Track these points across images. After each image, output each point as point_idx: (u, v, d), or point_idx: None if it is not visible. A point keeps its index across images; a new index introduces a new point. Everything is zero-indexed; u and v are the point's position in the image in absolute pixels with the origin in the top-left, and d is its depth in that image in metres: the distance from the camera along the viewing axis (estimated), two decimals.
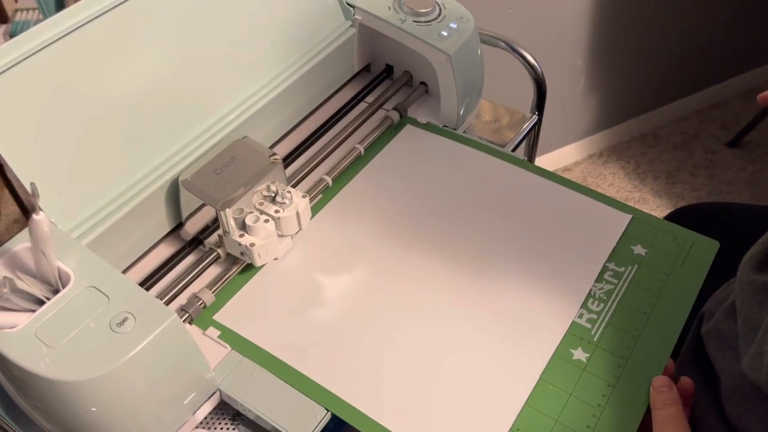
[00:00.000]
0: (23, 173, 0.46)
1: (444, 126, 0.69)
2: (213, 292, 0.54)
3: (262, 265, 0.56)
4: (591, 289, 0.54)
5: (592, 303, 0.53)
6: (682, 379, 0.49)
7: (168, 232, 0.58)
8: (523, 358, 0.50)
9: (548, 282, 0.54)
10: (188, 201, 0.56)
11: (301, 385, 0.49)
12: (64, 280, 0.44)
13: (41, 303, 0.43)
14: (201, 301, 0.53)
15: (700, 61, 1.59)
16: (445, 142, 0.67)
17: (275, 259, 0.57)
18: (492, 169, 0.64)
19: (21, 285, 0.39)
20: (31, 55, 0.47)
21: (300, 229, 0.57)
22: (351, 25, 0.68)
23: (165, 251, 0.57)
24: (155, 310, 0.43)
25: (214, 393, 0.49)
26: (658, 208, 1.48)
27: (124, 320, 0.42)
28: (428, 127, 0.69)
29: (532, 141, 0.76)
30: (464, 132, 0.70)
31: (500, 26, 1.22)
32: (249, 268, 0.57)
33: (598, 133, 1.60)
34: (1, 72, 0.45)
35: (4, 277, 0.37)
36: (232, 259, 0.57)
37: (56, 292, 0.44)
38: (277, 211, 0.55)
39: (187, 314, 0.52)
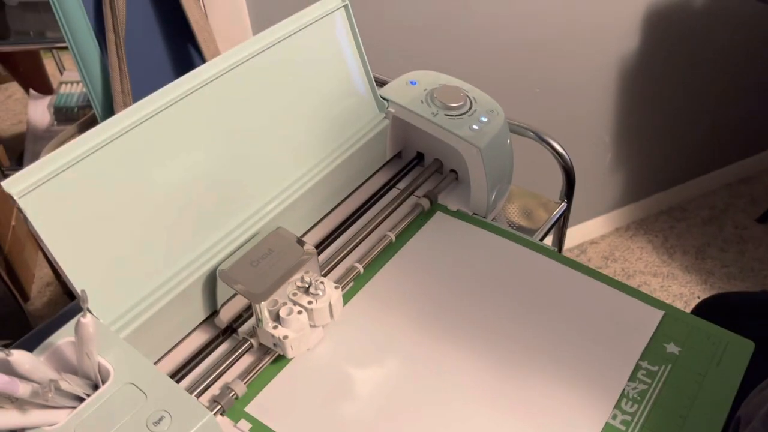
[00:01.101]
0: (73, 274, 0.48)
1: (474, 213, 0.70)
2: (245, 383, 0.55)
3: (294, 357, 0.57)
4: (624, 389, 0.53)
5: (626, 404, 0.52)
6: None
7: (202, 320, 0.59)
8: None
9: (580, 379, 0.54)
10: (224, 290, 0.57)
11: None
12: (103, 375, 0.45)
13: (81, 399, 0.43)
14: (233, 392, 0.54)
15: (728, 135, 1.59)
16: (475, 230, 0.68)
17: (308, 349, 0.57)
18: (521, 259, 0.64)
19: (64, 386, 0.41)
20: (85, 157, 0.49)
21: (332, 319, 0.57)
22: (385, 117, 0.70)
23: (199, 338, 0.58)
24: (191, 409, 0.44)
25: None
26: (687, 284, 1.46)
27: (161, 419, 0.43)
28: (458, 214, 0.70)
29: (561, 228, 0.76)
30: (494, 219, 0.71)
31: (527, 106, 1.25)
32: (281, 359, 0.57)
33: (626, 207, 1.60)
34: (56, 174, 0.48)
35: (50, 380, 0.39)
36: (264, 349, 0.57)
37: (96, 387, 0.45)
38: (310, 302, 0.56)
39: (219, 406, 0.53)
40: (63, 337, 0.47)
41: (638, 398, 0.52)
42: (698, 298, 1.41)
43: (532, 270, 0.63)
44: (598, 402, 0.52)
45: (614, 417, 0.51)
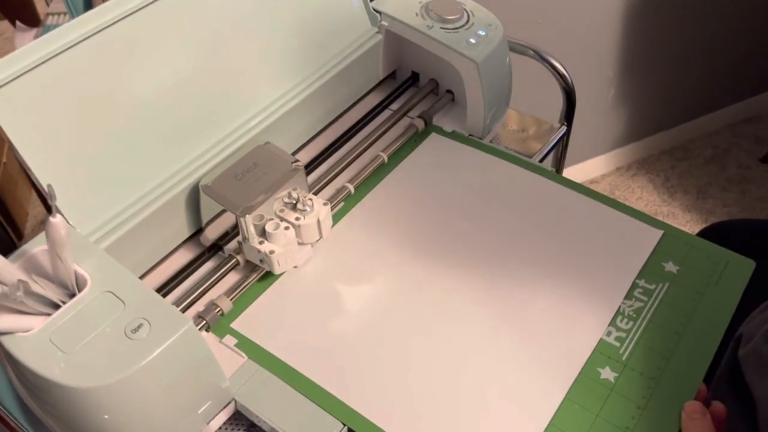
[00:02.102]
0: (43, 175, 0.46)
1: (470, 135, 0.67)
2: (231, 300, 0.53)
3: (282, 273, 0.55)
4: (620, 306, 0.52)
5: (621, 321, 0.51)
6: (714, 404, 0.46)
7: (187, 238, 0.57)
8: (548, 376, 0.48)
9: (575, 297, 0.53)
10: (208, 207, 0.55)
11: (317, 398, 0.48)
12: (80, 284, 0.44)
13: (57, 307, 0.42)
14: (219, 309, 0.52)
15: (733, 74, 1.55)
16: (471, 152, 0.65)
17: (295, 267, 0.56)
18: (518, 180, 0.62)
19: (36, 288, 0.39)
20: (56, 55, 0.46)
21: (321, 237, 0.56)
22: (377, 32, 0.67)
23: (184, 257, 0.57)
24: (171, 317, 0.42)
25: (229, 403, 0.48)
26: (687, 223, 1.45)
27: (140, 326, 0.41)
28: (454, 135, 0.67)
29: (560, 152, 0.74)
30: (491, 142, 0.69)
31: (529, 37, 1.21)
32: (268, 276, 0.56)
33: (627, 146, 1.57)
34: (24, 72, 0.45)
35: (19, 281, 0.37)
36: (251, 267, 0.56)
37: (73, 296, 0.43)
38: (297, 219, 0.54)
39: (204, 321, 0.52)
40: (38, 245, 0.45)
41: (634, 316, 0.51)
42: None
43: (528, 190, 0.61)
44: (594, 319, 0.51)
45: (608, 334, 0.50)
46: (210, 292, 0.54)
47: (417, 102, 0.70)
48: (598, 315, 0.51)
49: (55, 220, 0.38)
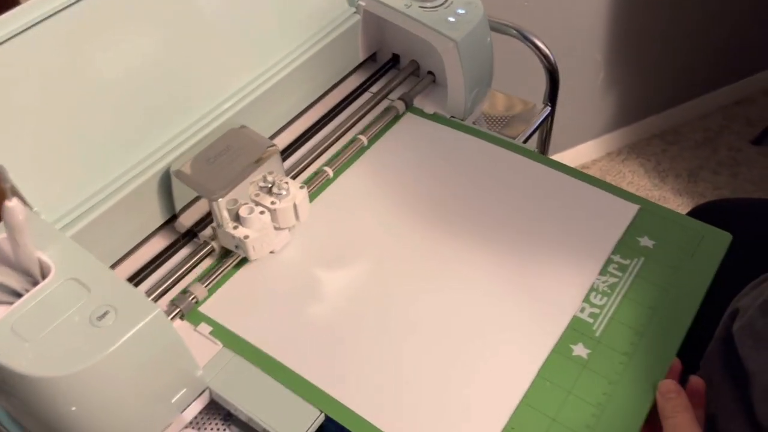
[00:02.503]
0: (4, 158, 0.44)
1: (452, 117, 0.66)
2: (206, 287, 0.52)
3: (257, 260, 0.54)
4: (594, 282, 0.51)
5: (595, 297, 0.50)
6: (691, 378, 0.45)
7: (163, 224, 0.56)
8: (520, 353, 0.47)
9: (549, 274, 0.52)
10: (182, 192, 0.54)
11: (294, 386, 0.46)
12: (45, 272, 0.42)
13: (20, 296, 0.41)
14: (193, 296, 0.51)
15: (723, 56, 1.54)
16: (450, 132, 0.64)
17: (271, 252, 0.55)
18: (497, 159, 0.61)
19: None
20: (21, 32, 0.45)
21: (298, 221, 0.54)
22: (355, 12, 0.65)
23: (158, 244, 0.55)
24: (138, 304, 0.41)
25: (204, 392, 0.47)
26: (678, 207, 1.44)
27: (105, 314, 0.40)
28: (434, 117, 0.66)
29: (545, 134, 0.73)
30: (473, 123, 0.68)
31: (515, 19, 1.19)
32: (244, 262, 0.54)
33: (618, 130, 1.56)
34: None
35: None
36: (226, 253, 0.54)
37: (36, 284, 0.42)
38: (273, 203, 0.53)
39: (178, 309, 0.50)
40: (1, 232, 0.43)
41: (608, 291, 0.50)
42: None
43: (507, 168, 0.60)
44: (567, 296, 0.50)
45: (582, 310, 0.49)
46: (185, 279, 0.53)
47: (398, 84, 0.69)
48: (572, 292, 0.50)
49: (11, 204, 0.37)
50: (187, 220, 0.55)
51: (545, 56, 0.70)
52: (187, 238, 0.56)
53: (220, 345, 0.49)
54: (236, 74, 0.58)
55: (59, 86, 0.47)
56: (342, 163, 0.61)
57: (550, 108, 0.71)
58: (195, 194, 0.53)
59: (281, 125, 0.64)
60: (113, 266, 0.53)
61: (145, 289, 0.52)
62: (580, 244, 0.53)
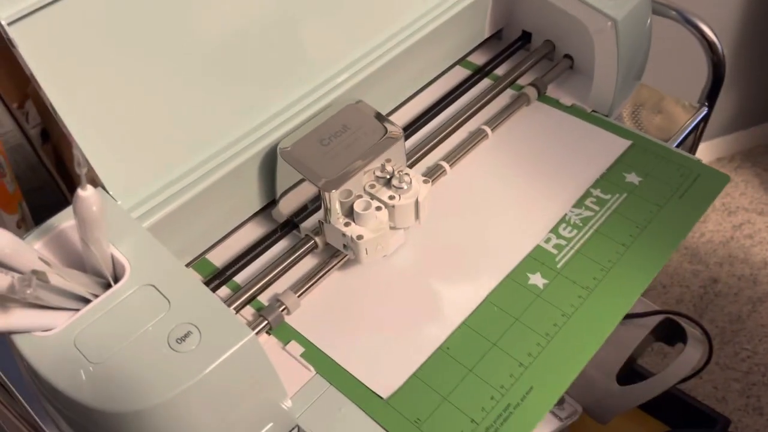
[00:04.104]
0: (77, 130, 0.36)
1: (593, 111, 0.55)
2: (299, 296, 0.44)
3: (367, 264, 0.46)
4: (566, 214, 0.48)
5: (565, 228, 0.47)
6: None
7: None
8: (475, 277, 0.45)
9: (524, 203, 0.49)
10: (285, 173, 0.45)
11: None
12: (118, 272, 0.35)
13: (87, 300, 0.33)
14: (284, 306, 0.43)
15: None
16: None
17: (384, 256, 0.46)
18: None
19: (56, 280, 0.30)
20: None
21: (417, 221, 0.45)
22: None
23: (250, 234, 0.47)
24: (227, 325, 0.33)
25: (292, 430, 0.38)
26: None
27: (187, 335, 0.32)
28: (573, 110, 0.55)
29: (696, 138, 0.61)
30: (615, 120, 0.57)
31: None
32: (349, 266, 0.46)
33: (732, 134, 1.41)
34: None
35: (32, 271, 0.28)
36: (331, 251, 0.46)
37: (108, 286, 0.34)
38: (392, 198, 0.44)
39: (266, 322, 0.42)
40: (69, 219, 0.36)
41: (579, 224, 0.47)
42: None
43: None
44: (535, 225, 0.48)
45: (547, 240, 0.47)
46: (281, 279, 0.45)
47: (528, 67, 0.58)
48: (541, 221, 0.48)
49: (85, 193, 0.29)
50: (286, 207, 0.47)
51: (711, 45, 0.58)
52: (286, 229, 0.48)
53: (313, 371, 0.41)
54: (355, 42, 0.48)
55: (146, 45, 0.39)
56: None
57: (707, 109, 0.59)
58: (298, 178, 0.45)
59: (393, 106, 0.55)
60: (197, 258, 0.45)
61: (227, 292, 0.45)
62: (561, 177, 0.51)
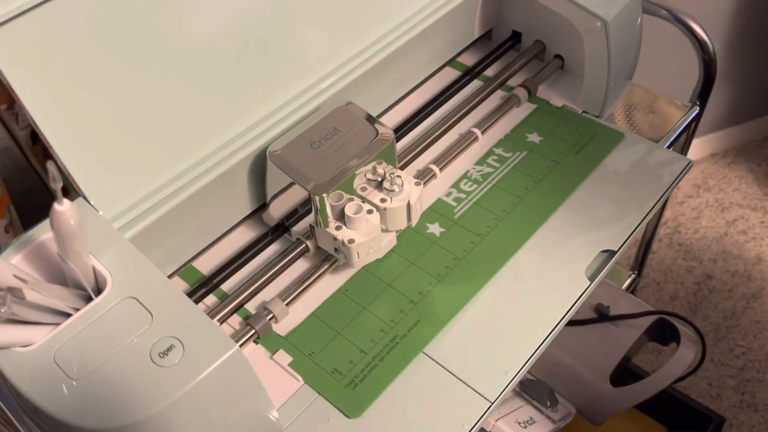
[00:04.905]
0: (55, 138, 0.36)
1: (584, 112, 0.55)
2: (286, 303, 0.43)
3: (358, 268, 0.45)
4: (468, 171, 0.51)
5: (465, 183, 0.50)
6: None
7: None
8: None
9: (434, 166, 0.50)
10: (275, 177, 0.44)
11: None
12: (100, 284, 0.34)
13: (67, 315, 0.32)
14: (271, 315, 0.42)
15: None
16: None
17: (376, 260, 0.45)
18: None
19: (33, 296, 0.29)
20: None
21: (409, 224, 0.45)
22: None
23: (242, 237, 0.47)
24: (210, 338, 0.32)
25: None
26: None
27: (170, 348, 0.32)
28: (563, 111, 0.55)
29: (688, 137, 0.61)
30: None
31: None
32: (340, 270, 0.45)
33: (725, 130, 1.40)
34: (31, 6, 0.34)
35: (7, 288, 0.27)
36: (322, 255, 0.45)
37: (89, 299, 0.34)
38: (383, 200, 0.43)
39: (253, 331, 0.41)
40: (50, 230, 0.35)
41: (479, 180, 0.50)
42: None
43: None
44: (440, 184, 0.50)
45: (448, 194, 0.50)
46: (271, 285, 0.44)
47: (518, 68, 0.58)
48: (444, 179, 0.51)
49: (61, 207, 0.28)
50: (276, 211, 0.46)
51: (702, 44, 0.58)
52: (276, 233, 0.47)
53: (301, 381, 0.40)
54: (344, 44, 0.48)
55: (129, 46, 0.38)
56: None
57: (699, 108, 0.58)
58: (288, 182, 0.44)
59: (383, 108, 0.54)
60: (183, 266, 0.45)
61: (214, 300, 0.44)
62: (482, 146, 0.53)
